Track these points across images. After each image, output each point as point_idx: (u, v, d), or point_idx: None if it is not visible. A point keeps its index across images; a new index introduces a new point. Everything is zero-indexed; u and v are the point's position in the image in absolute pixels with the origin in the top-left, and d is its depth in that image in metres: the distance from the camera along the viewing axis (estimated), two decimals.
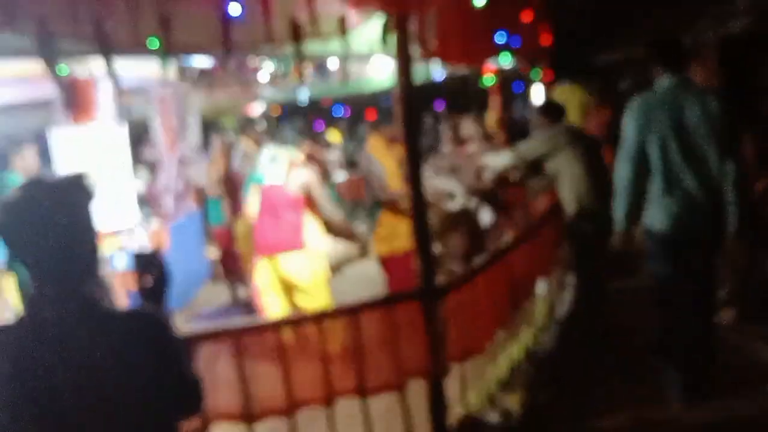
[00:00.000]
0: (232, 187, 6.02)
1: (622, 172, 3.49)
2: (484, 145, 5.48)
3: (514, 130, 8.11)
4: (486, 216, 5.26)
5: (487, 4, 3.33)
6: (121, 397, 1.46)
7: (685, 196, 3.38)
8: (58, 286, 1.48)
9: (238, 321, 3.55)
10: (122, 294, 5.03)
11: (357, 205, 7.56)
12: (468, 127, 5.52)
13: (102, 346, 1.45)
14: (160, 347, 1.53)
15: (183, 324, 5.02)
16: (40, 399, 1.40)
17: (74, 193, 1.54)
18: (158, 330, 1.55)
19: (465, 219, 4.68)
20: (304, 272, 4.17)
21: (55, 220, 1.47)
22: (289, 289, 4.22)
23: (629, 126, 3.47)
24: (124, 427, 1.47)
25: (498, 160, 4.60)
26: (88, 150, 4.67)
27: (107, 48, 2.47)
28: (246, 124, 9.21)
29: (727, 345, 4.38)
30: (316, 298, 4.17)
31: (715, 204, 3.36)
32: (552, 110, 4.84)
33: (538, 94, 6.01)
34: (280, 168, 4.23)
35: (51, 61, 2.43)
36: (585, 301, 4.54)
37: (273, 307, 4.24)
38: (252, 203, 4.40)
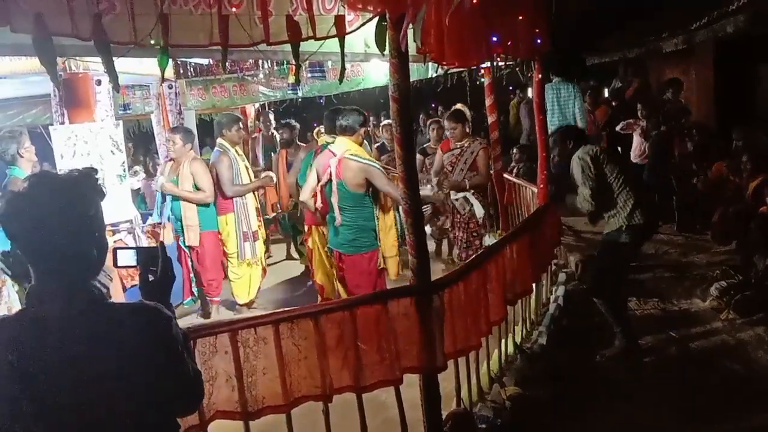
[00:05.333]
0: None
1: (548, 115, 6.49)
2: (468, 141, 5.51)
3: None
4: (478, 209, 5.32)
5: (482, 5, 3.36)
6: (123, 391, 1.47)
7: (562, 119, 7.66)
8: (63, 280, 1.49)
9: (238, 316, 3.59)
10: (121, 288, 5.05)
11: None
12: (448, 125, 5.53)
13: (105, 340, 1.46)
14: (163, 341, 1.55)
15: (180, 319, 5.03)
16: (41, 392, 1.41)
17: (82, 188, 1.54)
18: (161, 324, 1.56)
19: None
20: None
21: (62, 215, 1.48)
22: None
23: (546, 94, 6.84)
24: (124, 420, 1.49)
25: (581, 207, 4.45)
26: (85, 147, 4.67)
27: (105, 46, 2.48)
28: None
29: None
30: None
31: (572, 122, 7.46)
32: (575, 134, 4.67)
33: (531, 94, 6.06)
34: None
35: (49, 60, 2.44)
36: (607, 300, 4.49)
37: (318, 266, 5.01)
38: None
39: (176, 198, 5.44)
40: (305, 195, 4.62)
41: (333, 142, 4.62)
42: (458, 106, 5.67)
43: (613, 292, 4.46)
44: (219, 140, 5.76)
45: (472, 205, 5.31)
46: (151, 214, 6.93)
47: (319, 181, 4.39)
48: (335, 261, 4.46)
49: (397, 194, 4.22)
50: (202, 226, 5.45)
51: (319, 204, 4.45)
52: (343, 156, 4.21)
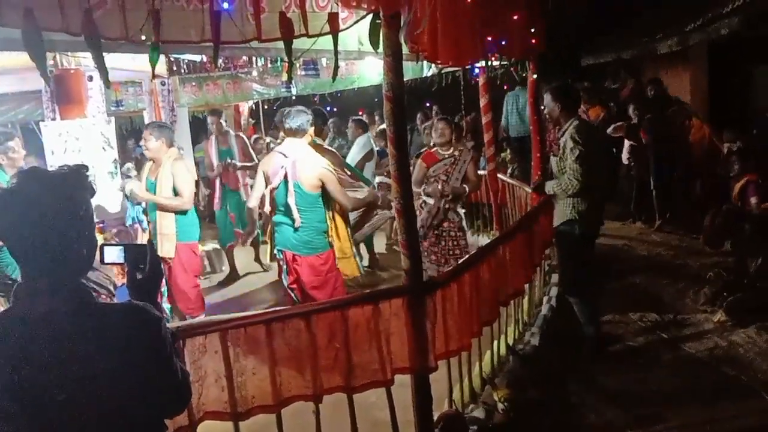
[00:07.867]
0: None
1: (509, 119, 9.20)
2: (459, 146, 5.49)
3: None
4: (463, 220, 5.33)
5: (477, 5, 3.35)
6: (110, 391, 1.45)
7: (520, 123, 8.74)
8: (51, 278, 1.46)
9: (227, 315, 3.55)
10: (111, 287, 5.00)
11: None
12: (442, 128, 5.47)
13: (93, 339, 1.44)
14: (151, 342, 1.53)
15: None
16: (28, 391, 1.38)
17: (72, 185, 1.52)
18: (150, 325, 1.54)
19: None
20: None
21: (51, 211, 1.46)
22: None
23: (507, 100, 9.15)
24: (111, 420, 1.46)
25: (566, 189, 4.26)
26: (76, 143, 4.64)
27: (95, 41, 2.45)
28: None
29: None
30: None
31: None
32: (573, 95, 4.50)
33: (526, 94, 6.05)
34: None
35: (38, 55, 2.41)
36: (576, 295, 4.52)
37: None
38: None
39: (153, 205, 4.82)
40: (253, 201, 4.47)
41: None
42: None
43: (583, 285, 4.46)
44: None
45: (462, 218, 5.33)
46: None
47: (268, 185, 4.26)
48: (288, 263, 4.29)
49: (346, 202, 4.31)
50: (178, 237, 4.79)
51: (267, 208, 4.35)
52: (300, 158, 4.15)
